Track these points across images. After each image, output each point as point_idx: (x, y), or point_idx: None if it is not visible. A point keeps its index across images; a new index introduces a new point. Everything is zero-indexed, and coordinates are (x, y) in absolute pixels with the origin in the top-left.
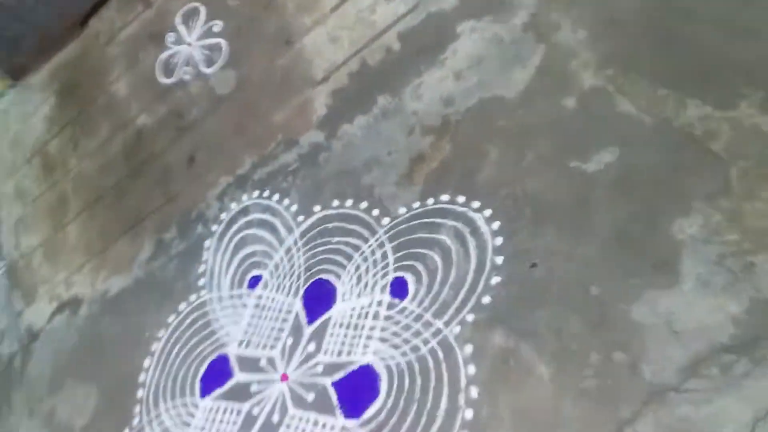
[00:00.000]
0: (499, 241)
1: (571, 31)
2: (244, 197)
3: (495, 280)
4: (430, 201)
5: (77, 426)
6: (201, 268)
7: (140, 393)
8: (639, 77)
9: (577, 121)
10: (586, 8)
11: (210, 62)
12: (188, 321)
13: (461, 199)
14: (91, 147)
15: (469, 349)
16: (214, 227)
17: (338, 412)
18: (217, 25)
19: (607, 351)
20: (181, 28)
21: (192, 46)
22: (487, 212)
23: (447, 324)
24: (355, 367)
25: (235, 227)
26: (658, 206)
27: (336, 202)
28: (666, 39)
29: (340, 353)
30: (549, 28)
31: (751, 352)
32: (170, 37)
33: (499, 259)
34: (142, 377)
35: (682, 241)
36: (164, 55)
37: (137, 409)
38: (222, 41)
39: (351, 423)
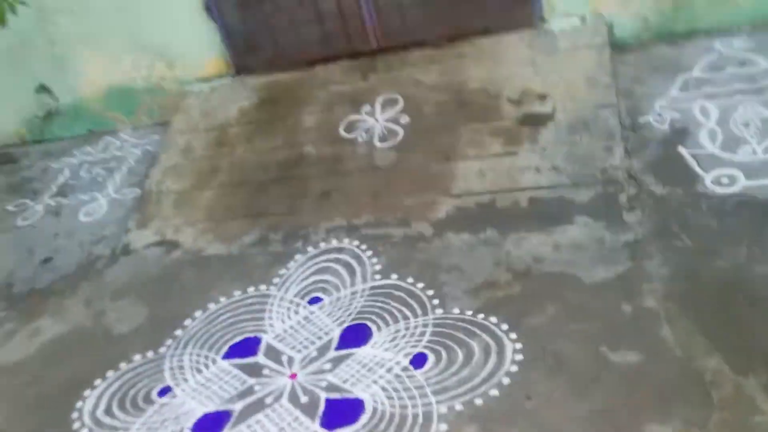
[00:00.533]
0: (514, 368)
1: (658, 264)
2: (346, 240)
3: (493, 392)
4: (481, 316)
5: (116, 330)
6: (282, 271)
7: (179, 332)
8: (689, 320)
9: (625, 323)
10: (678, 254)
11: (384, 139)
12: (248, 301)
13: (504, 326)
14: (260, 146)
15: (443, 427)
16: (310, 249)
17: (318, 419)
18: (405, 118)
19: None
20: (377, 107)
21: (377, 122)
22: (518, 345)
23: (438, 402)
24: (351, 395)
25: (325, 257)
26: (647, 407)
27: (410, 279)
28: (727, 310)
29: (345, 381)
30: (643, 253)
31: None
32: (366, 108)
33: (506, 380)
34: (187, 322)
35: None
36: (354, 117)
37: (168, 342)
38: (401, 130)
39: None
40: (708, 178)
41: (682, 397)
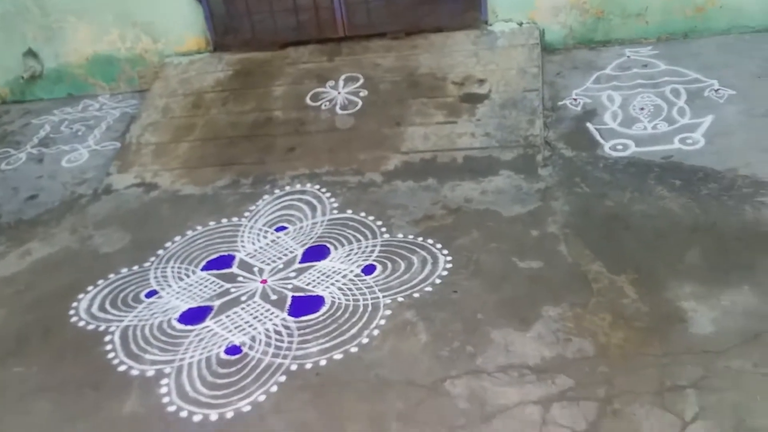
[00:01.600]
0: (444, 273)
1: (561, 204)
2: (308, 185)
3: (428, 288)
4: (420, 239)
5: (102, 251)
6: (251, 207)
7: (161, 252)
8: (581, 241)
9: (532, 242)
10: (578, 198)
11: (344, 108)
12: (222, 229)
13: (439, 246)
14: (233, 109)
15: (387, 312)
16: (277, 191)
17: (286, 310)
18: (363, 92)
19: (464, 343)
20: (340, 82)
21: (339, 94)
22: (449, 258)
23: (384, 296)
24: (313, 293)
25: (290, 197)
26: (544, 296)
27: (363, 213)
28: (609, 233)
29: (308, 284)
30: (551, 197)
31: (539, 374)
32: (330, 83)
33: (438, 281)
34: (168, 244)
35: (543, 315)
36: (319, 89)
37: (152, 258)
38: (360, 101)
39: (290, 318)
40: (607, 146)
41: (570, 289)
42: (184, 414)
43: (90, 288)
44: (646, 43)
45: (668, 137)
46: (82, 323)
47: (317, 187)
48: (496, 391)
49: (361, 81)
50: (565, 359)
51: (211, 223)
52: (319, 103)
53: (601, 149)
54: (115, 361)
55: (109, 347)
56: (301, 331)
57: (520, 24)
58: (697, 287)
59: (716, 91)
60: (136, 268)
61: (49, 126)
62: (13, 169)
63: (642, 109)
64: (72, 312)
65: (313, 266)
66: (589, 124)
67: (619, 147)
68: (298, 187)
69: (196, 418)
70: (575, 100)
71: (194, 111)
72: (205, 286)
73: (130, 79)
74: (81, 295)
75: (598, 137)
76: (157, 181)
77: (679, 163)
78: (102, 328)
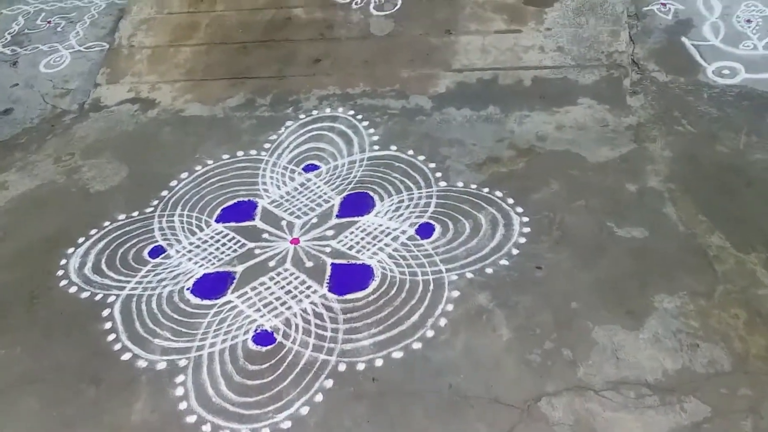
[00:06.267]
0: (522, 240)
1: (661, 147)
2: (340, 109)
3: (503, 261)
4: (486, 190)
5: (93, 188)
6: (272, 137)
7: (165, 192)
8: (691, 200)
9: (630, 202)
10: (681, 139)
11: (380, 7)
12: (239, 165)
13: (510, 201)
14: (244, 5)
15: (455, 294)
16: (302, 116)
17: (326, 284)
18: None
19: (559, 344)
20: None
21: None
22: (525, 219)
23: (448, 270)
24: (357, 262)
25: (318, 125)
26: (654, 279)
27: (410, 152)
28: (726, 191)
29: (351, 248)
30: (646, 137)
31: (663, 395)
32: None
33: (515, 251)
34: (173, 182)
35: (657, 308)
36: None
37: (155, 202)
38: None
39: (332, 296)
40: (710, 69)
41: (687, 271)
42: (206, 428)
43: (81, 240)
44: None
45: None
46: (73, 289)
47: (351, 112)
48: (609, 418)
49: None
50: (694, 375)
51: (225, 156)
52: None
53: (703, 74)
54: (117, 346)
55: (108, 325)
56: (348, 315)
57: None
58: None
59: None
60: (135, 214)
61: (23, 19)
62: None
63: (748, 21)
64: (60, 273)
65: (354, 222)
66: (684, 39)
67: (726, 72)
68: (327, 111)
69: None
70: (664, 5)
71: (196, 6)
72: (223, 244)
73: None
74: (70, 249)
75: (698, 57)
76: (156, 97)
77: None
78: (99, 297)
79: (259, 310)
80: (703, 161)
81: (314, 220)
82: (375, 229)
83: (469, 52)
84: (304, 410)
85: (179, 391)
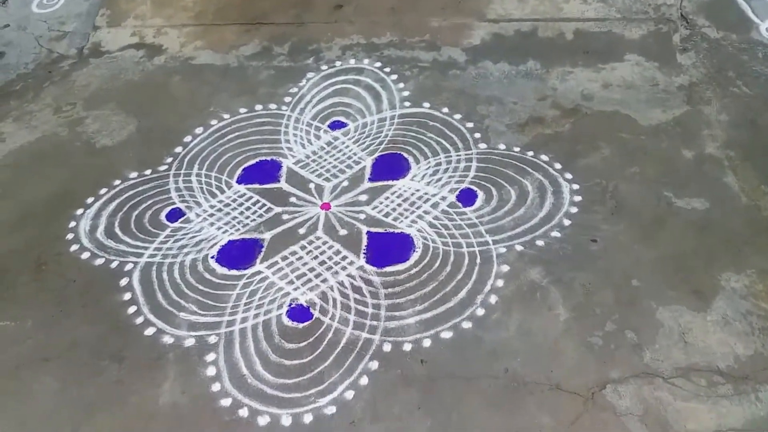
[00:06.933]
0: (574, 210)
1: (716, 110)
2: (366, 61)
3: (555, 233)
4: (530, 153)
5: (100, 142)
6: (293, 90)
7: (179, 149)
8: (753, 169)
9: (687, 170)
10: (737, 102)
11: None
12: (259, 120)
13: (558, 165)
14: None
15: (505, 268)
16: (324, 67)
17: (363, 254)
18: None
19: (621, 326)
20: None
21: None
22: (575, 186)
23: (495, 242)
24: (396, 231)
25: (343, 77)
26: (719, 255)
27: (445, 110)
28: None
29: (387, 215)
30: (700, 98)
31: (736, 384)
32: None
33: (567, 222)
34: (188, 138)
35: (725, 288)
36: None
37: (169, 160)
38: None
39: (370, 268)
40: (763, 26)
41: (754, 247)
42: (243, 413)
43: (90, 200)
44: None
45: None
46: (86, 255)
47: (378, 64)
48: (680, 408)
49: None
50: None
51: (242, 110)
52: None
53: (756, 31)
54: (139, 320)
55: (127, 296)
56: (389, 290)
57: None
58: None
59: None
60: (148, 173)
61: None
62: None
63: None
64: (70, 236)
65: (389, 187)
66: None
67: None
68: (352, 62)
69: (262, 421)
70: None
71: None
72: (247, 208)
73: None
74: (79, 210)
75: (751, 13)
76: (162, 43)
77: None
78: (115, 265)
79: (292, 282)
80: (762, 127)
81: (345, 183)
82: (412, 194)
83: (505, 1)
84: (349, 394)
85: (211, 371)
